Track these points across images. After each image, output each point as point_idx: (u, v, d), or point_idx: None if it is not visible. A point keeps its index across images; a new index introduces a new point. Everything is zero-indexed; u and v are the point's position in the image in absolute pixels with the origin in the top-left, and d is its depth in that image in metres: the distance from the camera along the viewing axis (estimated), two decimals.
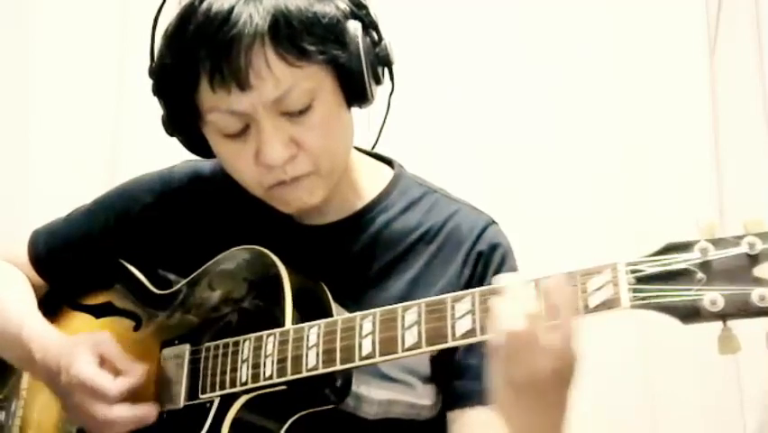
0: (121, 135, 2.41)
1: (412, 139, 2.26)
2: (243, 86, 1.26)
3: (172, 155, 1.50)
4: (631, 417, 2.28)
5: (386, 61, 1.36)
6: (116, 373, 1.34)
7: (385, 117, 1.44)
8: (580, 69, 2.39)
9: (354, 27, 1.31)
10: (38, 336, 1.42)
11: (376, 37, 1.35)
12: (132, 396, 1.34)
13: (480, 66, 2.39)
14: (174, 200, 1.48)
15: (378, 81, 1.35)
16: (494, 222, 1.43)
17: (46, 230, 1.58)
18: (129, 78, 2.37)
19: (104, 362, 1.34)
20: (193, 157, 1.45)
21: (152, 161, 1.57)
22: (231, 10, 1.25)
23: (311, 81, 1.28)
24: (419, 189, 1.46)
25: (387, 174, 1.47)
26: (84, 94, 2.41)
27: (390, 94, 1.41)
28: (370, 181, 1.45)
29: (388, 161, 1.50)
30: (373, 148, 1.51)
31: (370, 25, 1.34)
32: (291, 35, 1.26)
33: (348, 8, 1.32)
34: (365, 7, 1.34)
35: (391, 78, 1.38)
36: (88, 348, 1.35)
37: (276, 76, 1.26)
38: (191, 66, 1.28)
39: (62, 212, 1.59)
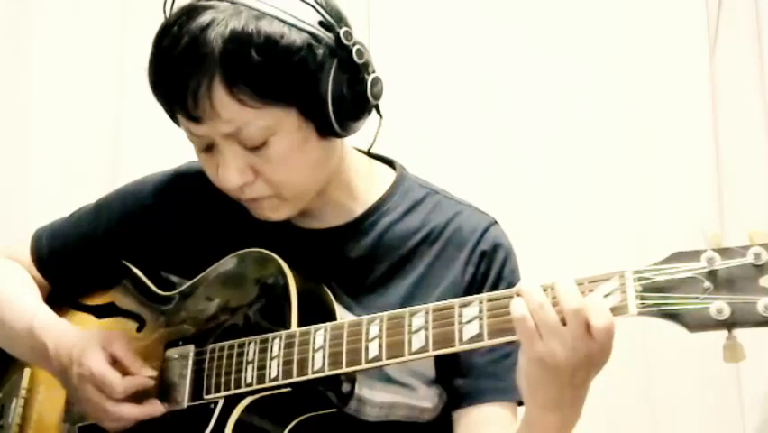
0: (121, 135, 2.41)
1: (415, 142, 2.25)
2: (194, 120, 1.27)
3: (173, 155, 1.50)
4: (631, 417, 2.29)
5: (364, 101, 1.31)
6: (125, 373, 1.35)
7: (370, 146, 1.43)
8: (580, 70, 2.39)
9: (328, 67, 1.27)
10: (51, 328, 1.42)
11: (359, 74, 1.30)
12: (137, 396, 1.35)
13: (481, 68, 2.39)
14: (176, 202, 1.48)
15: (355, 119, 1.32)
16: (496, 222, 1.43)
17: (48, 230, 1.57)
18: (129, 78, 2.36)
19: (115, 361, 1.35)
20: (194, 158, 1.45)
21: (153, 161, 1.57)
22: (193, 39, 1.23)
23: (268, 120, 1.27)
24: (421, 191, 1.45)
25: (388, 176, 1.46)
26: (84, 94, 2.41)
27: (379, 126, 1.38)
28: (370, 184, 1.44)
29: (390, 162, 1.49)
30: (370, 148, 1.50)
31: (350, 65, 1.29)
32: (247, 75, 1.23)
33: (326, 46, 1.27)
34: (346, 47, 1.28)
35: (378, 113, 1.35)
36: (101, 345, 1.36)
37: (224, 117, 1.25)
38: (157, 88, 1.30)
39: (63, 212, 1.59)
